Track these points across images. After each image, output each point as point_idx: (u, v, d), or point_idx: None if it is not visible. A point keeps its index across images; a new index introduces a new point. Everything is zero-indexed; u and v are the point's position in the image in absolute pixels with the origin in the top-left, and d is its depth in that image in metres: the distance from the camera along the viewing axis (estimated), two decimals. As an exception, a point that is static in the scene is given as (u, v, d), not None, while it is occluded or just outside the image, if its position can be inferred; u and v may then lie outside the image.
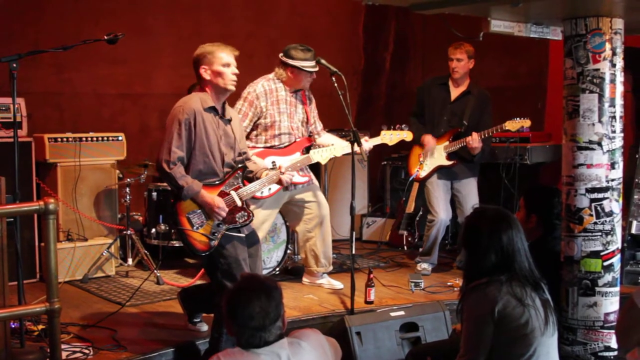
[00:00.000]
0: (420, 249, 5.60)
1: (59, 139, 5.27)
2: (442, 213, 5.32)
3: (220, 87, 3.68)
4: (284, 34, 6.90)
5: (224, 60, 3.64)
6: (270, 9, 7.09)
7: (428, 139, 5.34)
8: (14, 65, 3.53)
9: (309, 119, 4.92)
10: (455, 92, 5.40)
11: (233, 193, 3.72)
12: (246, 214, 3.75)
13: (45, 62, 5.68)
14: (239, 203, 3.73)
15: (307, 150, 4.84)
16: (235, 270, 3.61)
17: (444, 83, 5.45)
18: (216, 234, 3.64)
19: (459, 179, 5.41)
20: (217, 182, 3.70)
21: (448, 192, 5.43)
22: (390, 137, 4.99)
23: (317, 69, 4.70)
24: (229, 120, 3.80)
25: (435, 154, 5.36)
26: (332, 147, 4.72)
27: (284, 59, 4.69)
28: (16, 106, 3.59)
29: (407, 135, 5.06)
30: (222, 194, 3.69)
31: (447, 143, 5.31)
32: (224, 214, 3.65)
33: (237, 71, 3.69)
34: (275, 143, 4.73)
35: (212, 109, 3.69)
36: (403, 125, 5.08)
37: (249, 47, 6.84)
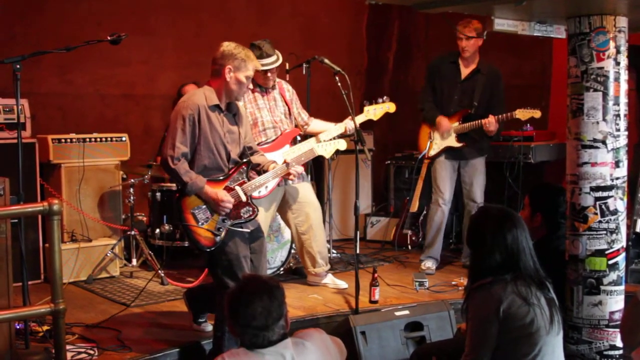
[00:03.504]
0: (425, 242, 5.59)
1: (63, 140, 5.27)
2: (446, 193, 5.33)
3: (232, 94, 3.69)
4: (286, 34, 6.89)
5: (249, 73, 3.66)
6: (272, 9, 7.08)
7: (444, 122, 5.30)
8: (18, 66, 3.53)
9: (290, 110, 4.90)
10: (465, 71, 5.35)
11: (238, 188, 3.72)
12: (251, 208, 3.74)
13: (48, 63, 5.67)
14: (244, 198, 3.72)
15: (294, 141, 4.83)
16: (236, 268, 3.61)
17: (454, 61, 5.38)
18: (221, 230, 3.64)
19: (467, 159, 5.40)
20: (221, 178, 3.70)
21: (455, 173, 5.42)
22: (374, 111, 4.98)
23: (272, 66, 4.61)
24: (234, 115, 3.80)
25: (444, 134, 5.35)
26: (336, 141, 4.65)
27: None
28: (20, 107, 3.59)
29: (389, 106, 5.03)
30: (227, 189, 3.68)
31: (457, 124, 5.30)
32: (229, 206, 3.65)
33: (251, 86, 3.72)
34: (262, 139, 4.69)
35: (216, 107, 3.69)
36: (385, 97, 5.04)
37: (252, 48, 6.84)
